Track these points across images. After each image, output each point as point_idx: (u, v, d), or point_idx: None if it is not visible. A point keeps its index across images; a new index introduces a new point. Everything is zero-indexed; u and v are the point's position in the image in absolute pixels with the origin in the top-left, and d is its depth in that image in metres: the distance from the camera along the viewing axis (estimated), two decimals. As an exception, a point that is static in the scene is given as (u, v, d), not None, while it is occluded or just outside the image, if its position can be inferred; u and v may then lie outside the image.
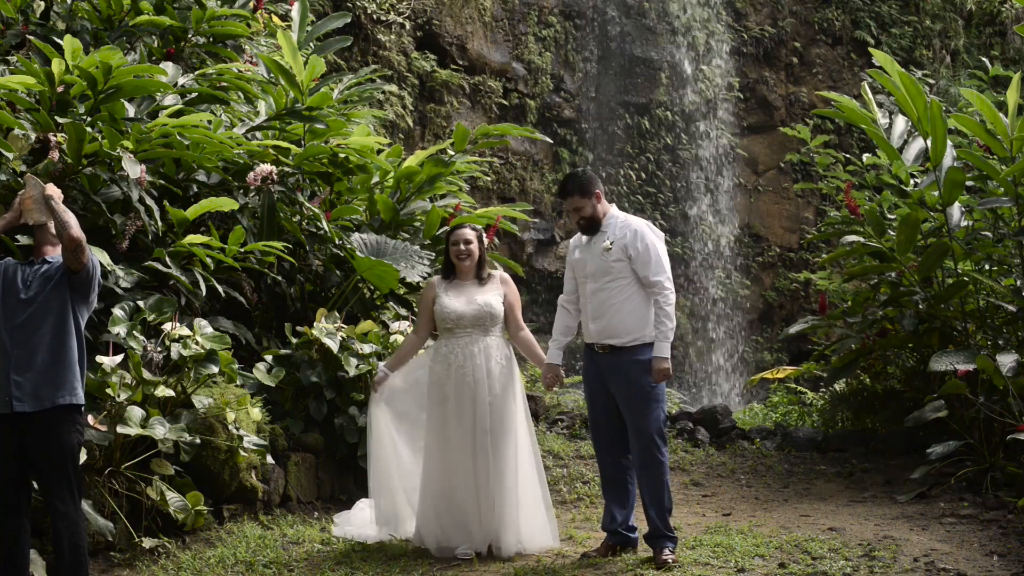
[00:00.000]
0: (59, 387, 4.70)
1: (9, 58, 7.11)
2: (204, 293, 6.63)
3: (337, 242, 7.69)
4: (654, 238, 5.65)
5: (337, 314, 7.32)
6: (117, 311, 6.04)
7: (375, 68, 10.47)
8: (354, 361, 6.97)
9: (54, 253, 4.89)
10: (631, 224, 5.68)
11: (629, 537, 5.78)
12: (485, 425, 5.76)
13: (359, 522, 6.25)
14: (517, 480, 5.81)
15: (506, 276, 6.09)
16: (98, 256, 6.04)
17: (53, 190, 4.87)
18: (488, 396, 5.78)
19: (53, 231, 4.87)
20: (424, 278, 7.96)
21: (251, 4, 8.63)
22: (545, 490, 6.00)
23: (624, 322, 5.58)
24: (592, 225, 5.70)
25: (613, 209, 5.77)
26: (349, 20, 9.49)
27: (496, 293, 5.95)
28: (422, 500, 5.87)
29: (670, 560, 5.48)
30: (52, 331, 4.73)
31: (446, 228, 8.37)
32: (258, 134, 7.87)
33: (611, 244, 5.62)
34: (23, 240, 6.01)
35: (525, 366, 8.77)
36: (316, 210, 7.60)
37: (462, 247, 5.95)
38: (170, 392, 5.91)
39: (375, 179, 8.32)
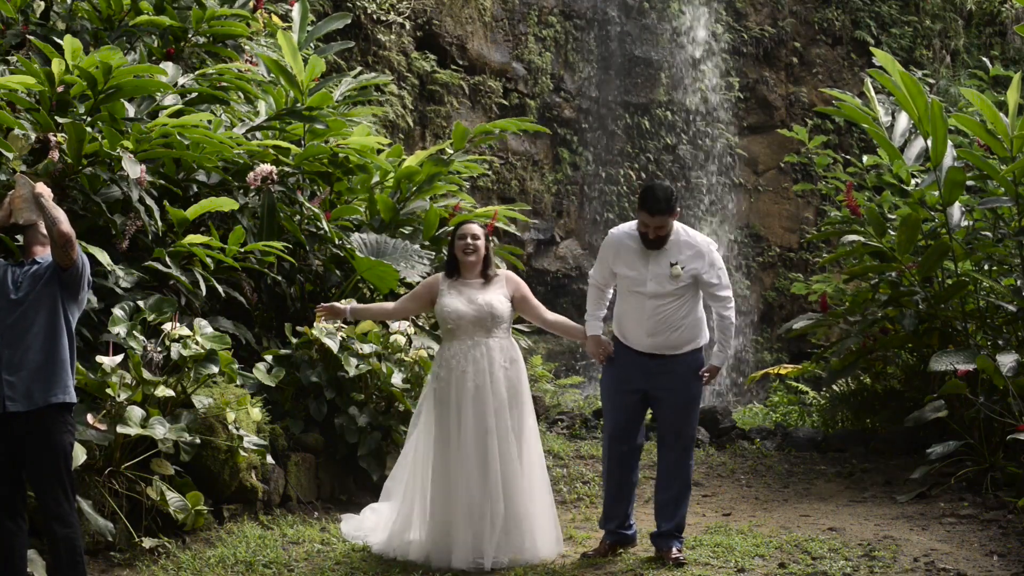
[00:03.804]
0: (51, 386, 4.70)
1: (9, 58, 7.11)
2: (204, 293, 6.62)
3: (337, 242, 7.69)
4: (717, 256, 5.53)
5: (337, 314, 7.31)
6: (117, 311, 6.04)
7: (374, 73, 10.47)
8: (354, 361, 6.96)
9: (44, 253, 4.88)
10: (695, 243, 5.51)
11: (628, 535, 5.78)
12: (491, 431, 5.59)
13: (368, 527, 6.15)
14: (530, 487, 5.70)
15: (511, 274, 5.91)
16: (98, 255, 6.07)
17: (43, 189, 4.85)
18: (493, 401, 5.62)
19: (43, 231, 4.86)
20: (424, 278, 7.95)
21: (251, 4, 8.63)
22: (551, 495, 5.91)
23: (682, 337, 5.51)
24: (661, 244, 5.48)
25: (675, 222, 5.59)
26: (349, 21, 9.49)
27: (500, 293, 5.76)
28: (432, 515, 5.68)
29: (682, 557, 5.52)
30: (43, 330, 4.72)
31: (446, 228, 8.39)
32: (258, 134, 7.86)
33: (681, 268, 5.43)
34: (23, 240, 6.01)
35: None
36: (316, 210, 7.60)
37: (469, 241, 5.75)
38: (170, 392, 5.91)
39: (375, 179, 8.31)
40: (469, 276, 5.80)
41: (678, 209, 5.49)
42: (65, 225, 4.70)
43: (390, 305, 6.19)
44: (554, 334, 5.94)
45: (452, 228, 6.05)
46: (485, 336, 5.70)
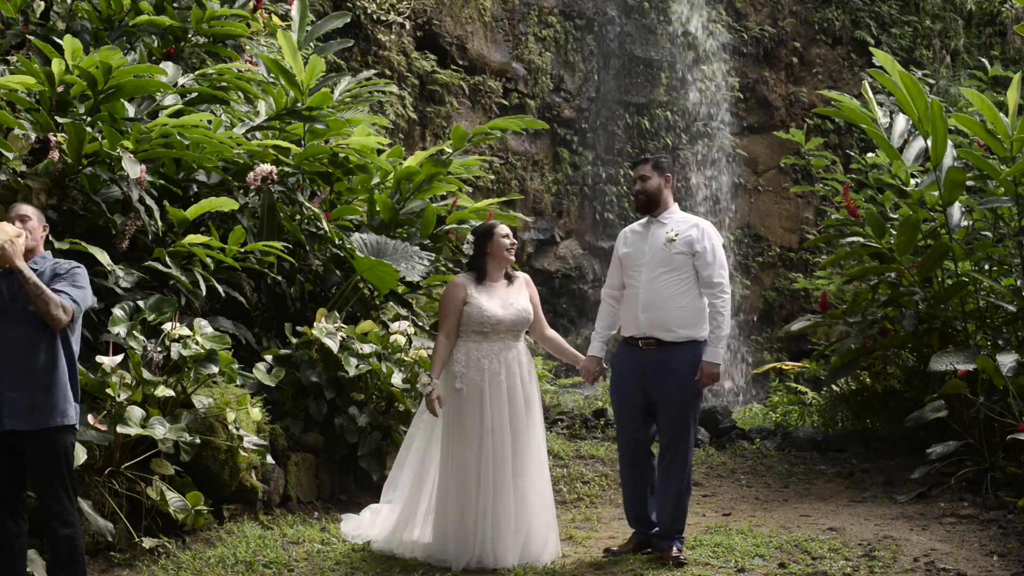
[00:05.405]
0: (51, 408, 4.62)
1: (9, 58, 7.11)
2: (204, 293, 6.62)
3: (337, 242, 7.69)
4: (718, 240, 5.63)
5: (337, 314, 7.32)
6: (117, 311, 6.04)
7: (375, 72, 10.46)
8: (354, 361, 6.96)
9: (42, 253, 4.84)
10: (697, 221, 5.68)
11: (651, 536, 5.77)
12: (518, 433, 5.60)
13: (367, 526, 6.14)
14: (536, 487, 5.69)
15: (528, 278, 5.92)
16: (98, 256, 6.07)
17: (11, 231, 4.55)
18: (522, 403, 5.64)
19: (33, 238, 4.78)
20: (424, 278, 7.95)
21: (251, 4, 8.62)
22: (552, 497, 5.90)
23: (676, 316, 5.51)
24: (649, 203, 5.68)
25: (676, 207, 5.75)
26: (349, 20, 9.48)
27: (524, 296, 5.79)
28: (452, 515, 5.57)
29: (682, 557, 5.52)
30: (43, 347, 4.63)
31: (443, 226, 8.39)
32: (258, 134, 7.86)
33: (676, 235, 5.57)
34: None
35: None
36: (316, 210, 7.60)
37: (513, 240, 5.79)
38: (170, 392, 5.91)
39: (375, 179, 8.31)
40: (496, 279, 5.79)
41: (668, 175, 5.71)
42: (56, 310, 4.55)
43: (445, 340, 5.64)
44: (546, 348, 5.96)
45: (479, 231, 5.85)
46: (515, 340, 5.72)
